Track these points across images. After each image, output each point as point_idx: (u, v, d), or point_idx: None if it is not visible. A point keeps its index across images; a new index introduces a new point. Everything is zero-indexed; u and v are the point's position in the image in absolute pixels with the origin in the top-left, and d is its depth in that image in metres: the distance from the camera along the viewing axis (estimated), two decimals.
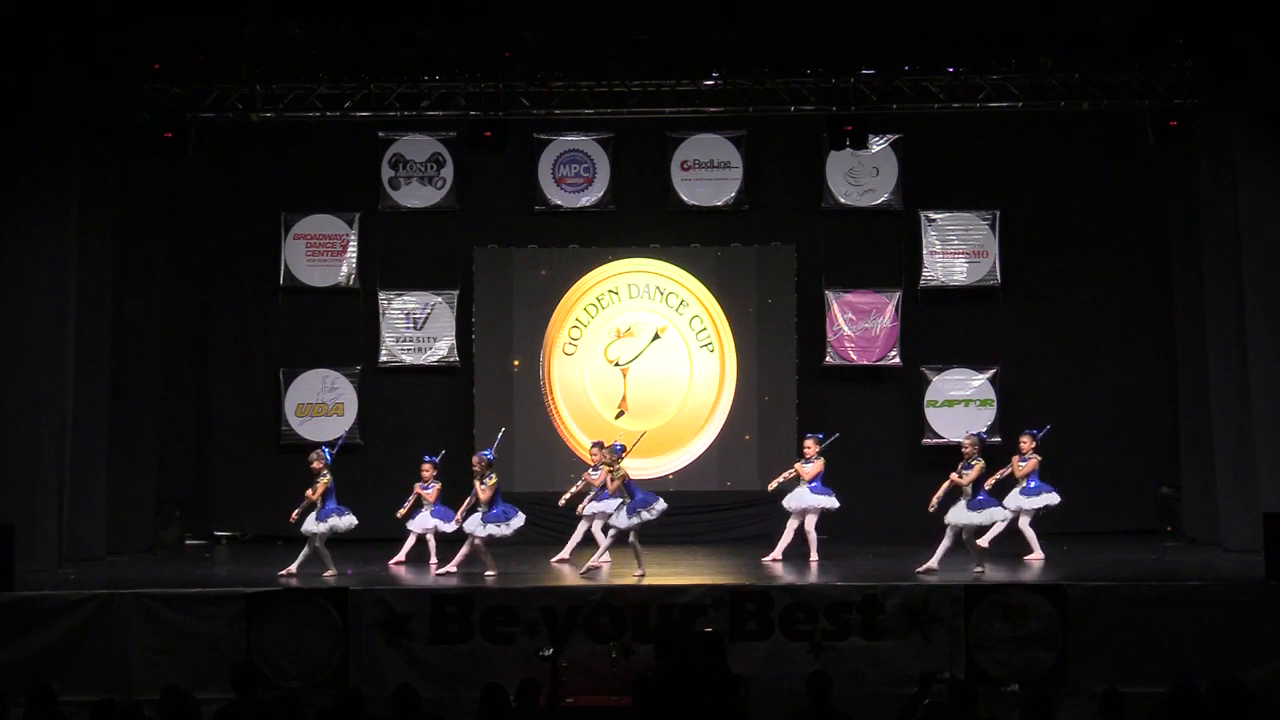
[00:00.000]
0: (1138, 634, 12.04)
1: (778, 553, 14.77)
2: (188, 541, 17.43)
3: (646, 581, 13.25)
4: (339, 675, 12.01)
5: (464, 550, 14.17)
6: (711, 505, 17.24)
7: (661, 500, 14.03)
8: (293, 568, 13.84)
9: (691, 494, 17.20)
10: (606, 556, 14.19)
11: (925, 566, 13.57)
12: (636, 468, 17.13)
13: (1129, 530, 16.85)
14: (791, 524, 14.94)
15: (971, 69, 15.58)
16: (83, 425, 15.12)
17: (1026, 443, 14.95)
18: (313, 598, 12.41)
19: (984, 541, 14.25)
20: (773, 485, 15.20)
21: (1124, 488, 17.21)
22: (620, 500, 14.05)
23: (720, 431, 17.53)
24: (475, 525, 13.95)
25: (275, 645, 12.13)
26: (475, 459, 14.24)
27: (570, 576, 13.83)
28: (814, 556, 14.62)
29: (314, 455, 14.23)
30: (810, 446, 15.04)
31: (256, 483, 17.47)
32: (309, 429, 17.53)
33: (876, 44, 15.23)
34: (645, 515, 13.86)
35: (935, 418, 17.41)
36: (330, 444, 14.76)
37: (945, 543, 13.80)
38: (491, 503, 13.98)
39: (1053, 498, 14.83)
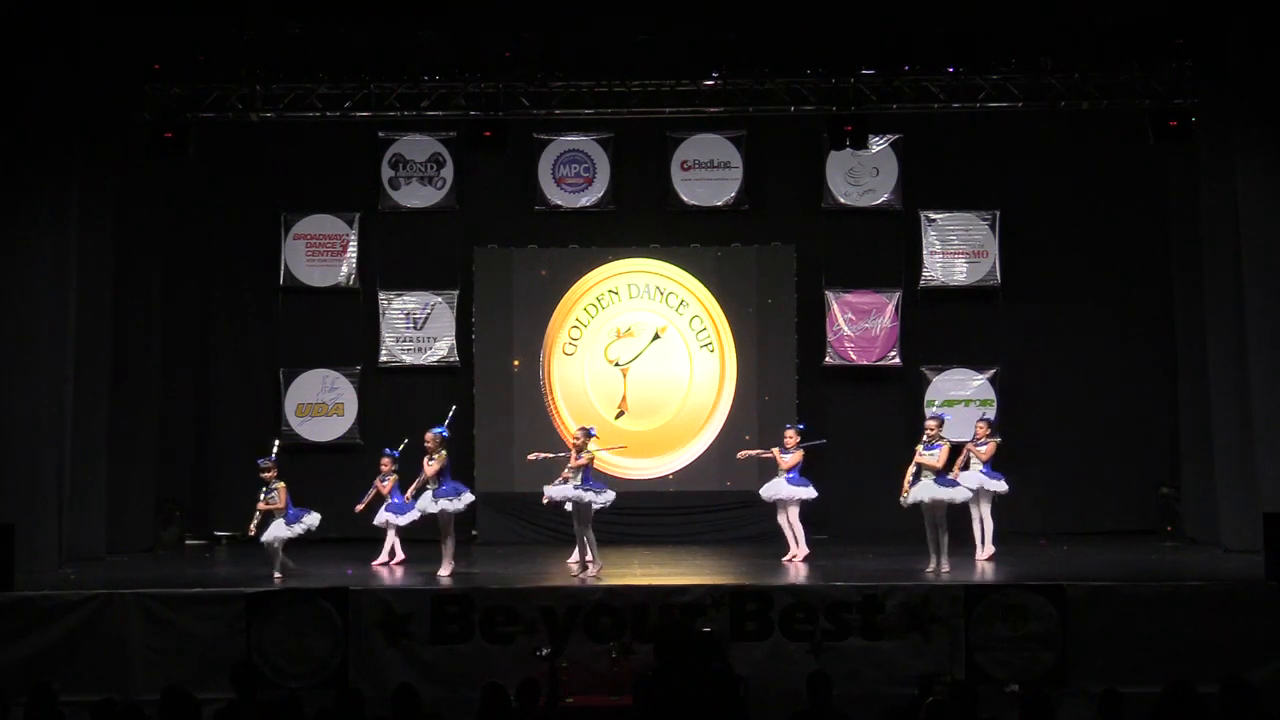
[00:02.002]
0: (1138, 634, 12.03)
1: (795, 549, 14.78)
2: (188, 541, 17.42)
3: (646, 581, 13.23)
4: (339, 675, 12.01)
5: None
6: (711, 505, 17.22)
7: (610, 492, 14.09)
8: (278, 575, 13.69)
9: (691, 494, 17.23)
10: (585, 555, 13.90)
11: (935, 566, 13.60)
12: (638, 468, 17.18)
13: (1129, 530, 16.85)
14: (781, 518, 14.92)
15: (971, 69, 15.59)
16: (83, 425, 15.11)
17: (982, 428, 14.90)
18: (313, 598, 12.39)
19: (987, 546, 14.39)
20: (742, 454, 15.34)
21: (1124, 488, 17.21)
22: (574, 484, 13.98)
23: (720, 431, 17.49)
24: (427, 502, 13.97)
25: (275, 645, 12.13)
26: (428, 435, 14.11)
27: (570, 576, 13.80)
28: (795, 551, 14.64)
29: (267, 464, 14.11)
30: (791, 436, 15.05)
31: (257, 483, 17.42)
32: (309, 429, 17.55)
33: (876, 44, 15.25)
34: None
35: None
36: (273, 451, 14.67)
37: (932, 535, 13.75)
38: (440, 479, 13.95)
39: (1003, 486, 14.76)
